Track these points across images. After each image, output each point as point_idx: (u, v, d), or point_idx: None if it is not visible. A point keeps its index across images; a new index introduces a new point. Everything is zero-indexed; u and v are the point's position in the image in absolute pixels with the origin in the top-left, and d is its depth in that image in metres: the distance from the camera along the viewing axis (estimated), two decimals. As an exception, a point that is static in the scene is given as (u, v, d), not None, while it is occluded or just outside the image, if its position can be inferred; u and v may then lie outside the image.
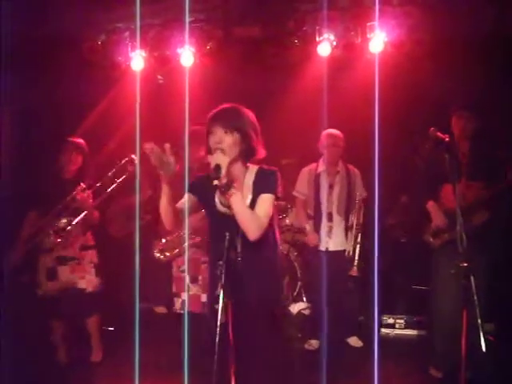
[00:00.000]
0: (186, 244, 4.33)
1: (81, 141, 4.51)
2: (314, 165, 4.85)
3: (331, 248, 4.71)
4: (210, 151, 2.75)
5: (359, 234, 4.78)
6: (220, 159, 2.62)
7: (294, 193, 4.92)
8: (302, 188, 4.87)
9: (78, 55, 5.07)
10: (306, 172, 4.87)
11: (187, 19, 4.52)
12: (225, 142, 2.70)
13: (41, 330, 4.46)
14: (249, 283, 2.72)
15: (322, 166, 4.76)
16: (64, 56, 5.07)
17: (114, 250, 5.17)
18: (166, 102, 5.38)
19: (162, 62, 5.17)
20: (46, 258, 4.35)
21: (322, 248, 4.72)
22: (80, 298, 4.33)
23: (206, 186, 2.72)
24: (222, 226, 2.69)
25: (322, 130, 4.67)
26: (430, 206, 4.03)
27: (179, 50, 4.99)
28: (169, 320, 4.89)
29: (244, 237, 2.66)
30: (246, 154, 2.78)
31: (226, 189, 2.58)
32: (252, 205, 2.72)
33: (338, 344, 4.61)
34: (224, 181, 2.58)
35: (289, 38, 4.92)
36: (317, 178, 4.76)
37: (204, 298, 4.17)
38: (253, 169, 2.83)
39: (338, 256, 4.72)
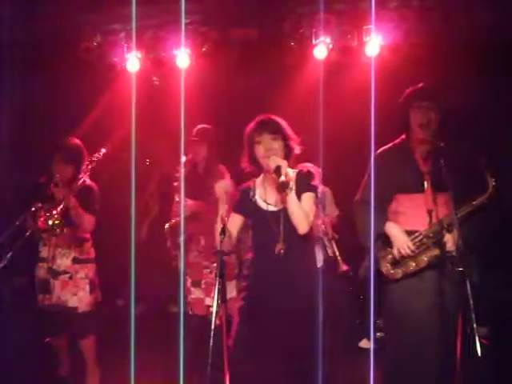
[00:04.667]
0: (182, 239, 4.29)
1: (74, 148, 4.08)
2: None
3: None
4: (254, 160, 3.07)
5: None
6: (279, 161, 2.88)
7: None
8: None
9: (74, 56, 5.05)
10: None
11: (183, 21, 4.51)
12: (274, 147, 2.97)
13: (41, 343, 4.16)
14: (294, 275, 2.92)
15: None
16: (60, 56, 5.06)
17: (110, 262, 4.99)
18: (161, 103, 5.37)
19: (157, 64, 5.16)
20: (39, 269, 4.01)
21: None
22: (71, 318, 3.96)
23: (246, 197, 3.10)
24: (266, 223, 2.99)
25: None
26: (390, 227, 3.16)
27: (175, 52, 4.98)
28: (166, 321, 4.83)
29: (289, 230, 2.93)
30: (288, 157, 3.04)
31: (285, 187, 2.84)
32: None
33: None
34: (284, 179, 2.82)
35: (285, 40, 4.92)
36: None
37: (208, 301, 4.21)
38: (294, 170, 3.07)
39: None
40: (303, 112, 5.05)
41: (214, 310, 2.72)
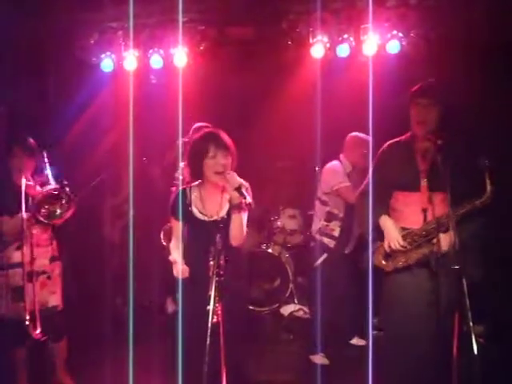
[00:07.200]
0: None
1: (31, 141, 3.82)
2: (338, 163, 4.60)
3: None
4: (198, 171, 3.01)
5: None
6: (240, 180, 2.91)
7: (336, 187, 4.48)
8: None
9: (71, 54, 5.04)
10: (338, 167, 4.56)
11: (181, 19, 4.51)
12: (227, 165, 2.97)
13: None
14: (233, 281, 2.93)
15: (349, 166, 4.56)
16: (57, 54, 5.06)
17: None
18: (158, 101, 5.37)
19: (154, 62, 5.15)
20: (13, 276, 3.65)
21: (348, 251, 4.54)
22: (52, 318, 3.74)
23: (182, 202, 3.06)
24: (202, 232, 3.02)
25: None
26: (384, 221, 3.17)
27: (172, 50, 4.98)
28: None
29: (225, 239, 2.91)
30: None
31: (242, 206, 2.90)
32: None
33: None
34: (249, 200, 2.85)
35: (282, 39, 4.92)
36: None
37: None
38: None
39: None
40: (301, 111, 5.07)
41: (211, 308, 2.71)
